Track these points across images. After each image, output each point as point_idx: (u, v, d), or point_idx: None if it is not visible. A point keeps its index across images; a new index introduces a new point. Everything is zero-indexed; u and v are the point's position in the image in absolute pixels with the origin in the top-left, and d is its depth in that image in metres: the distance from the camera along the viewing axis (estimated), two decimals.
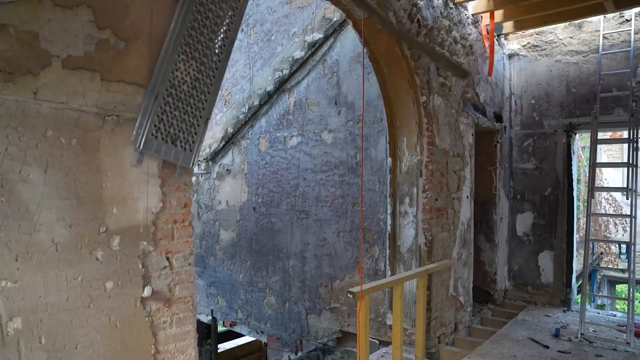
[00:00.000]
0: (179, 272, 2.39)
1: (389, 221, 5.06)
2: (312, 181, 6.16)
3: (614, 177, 14.69)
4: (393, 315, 3.71)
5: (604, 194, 13.97)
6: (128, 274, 2.18)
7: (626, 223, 13.60)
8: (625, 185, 5.49)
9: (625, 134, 8.72)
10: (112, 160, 2.12)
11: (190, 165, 2.35)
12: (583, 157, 12.94)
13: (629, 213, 5.39)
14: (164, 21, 2.29)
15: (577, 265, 7.08)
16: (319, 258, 6.11)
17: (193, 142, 2.33)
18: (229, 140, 7.17)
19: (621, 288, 14.52)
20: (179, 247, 2.39)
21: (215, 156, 7.38)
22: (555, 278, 6.66)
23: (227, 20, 2.40)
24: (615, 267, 12.98)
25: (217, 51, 2.37)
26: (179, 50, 2.24)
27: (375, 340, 5.41)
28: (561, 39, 6.56)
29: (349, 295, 3.23)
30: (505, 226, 6.95)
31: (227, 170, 7.26)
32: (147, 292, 2.24)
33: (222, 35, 2.40)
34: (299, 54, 6.28)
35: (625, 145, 6.68)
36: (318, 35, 6.08)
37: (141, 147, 2.15)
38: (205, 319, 7.57)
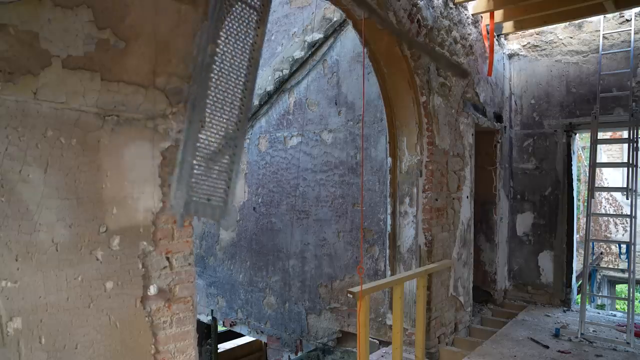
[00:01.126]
0: (179, 272, 2.39)
1: (389, 221, 5.06)
2: (312, 181, 6.16)
3: (614, 177, 14.68)
4: (393, 315, 3.71)
5: (604, 193, 13.97)
6: (128, 274, 2.18)
7: (626, 223, 13.60)
8: (625, 185, 5.49)
9: (625, 134, 8.72)
10: (112, 160, 2.12)
11: (225, 217, 2.39)
12: (583, 157, 12.94)
13: (629, 213, 5.39)
14: (164, 21, 2.29)
15: (577, 265, 7.08)
16: (319, 258, 6.11)
17: (227, 195, 2.36)
18: None
19: (621, 288, 14.52)
20: (179, 247, 2.39)
21: None
22: (555, 278, 6.66)
23: (244, 78, 2.37)
24: (615, 267, 12.98)
25: (239, 105, 2.35)
26: (204, 115, 2.23)
27: (375, 340, 5.41)
28: (561, 39, 6.56)
29: (349, 295, 3.23)
30: (505, 226, 6.95)
31: None
32: (151, 291, 2.24)
33: (242, 90, 2.37)
34: (299, 54, 6.28)
35: (625, 145, 6.69)
36: (318, 35, 6.08)
37: (182, 210, 2.21)
38: (205, 319, 7.56)
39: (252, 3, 2.34)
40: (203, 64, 2.23)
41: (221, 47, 2.28)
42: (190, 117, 2.22)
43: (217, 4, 2.22)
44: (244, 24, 2.35)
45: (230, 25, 2.31)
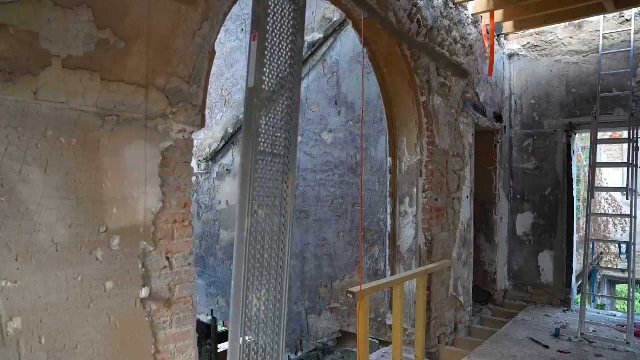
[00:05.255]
0: (179, 272, 2.39)
1: (389, 221, 5.06)
2: (312, 181, 6.16)
3: (614, 177, 14.68)
4: (393, 315, 3.71)
5: (603, 194, 13.97)
6: (128, 274, 2.18)
7: (626, 223, 13.60)
8: (625, 185, 5.49)
9: (625, 134, 8.72)
10: (112, 160, 2.12)
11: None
12: (583, 157, 12.94)
13: (628, 213, 5.39)
14: (164, 21, 2.29)
15: (577, 265, 7.08)
16: (319, 258, 6.11)
17: (278, 345, 2.35)
18: (229, 140, 7.17)
19: (621, 288, 14.51)
20: (179, 247, 2.39)
21: (215, 156, 7.38)
22: (555, 278, 6.66)
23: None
24: (615, 267, 12.98)
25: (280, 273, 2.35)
26: (248, 288, 2.20)
27: (375, 340, 5.41)
28: (561, 39, 6.56)
29: (349, 295, 3.23)
30: (505, 226, 6.94)
31: (227, 170, 7.26)
32: (144, 292, 2.24)
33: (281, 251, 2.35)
34: None
35: (625, 145, 6.69)
36: (318, 35, 6.08)
37: None
38: (205, 319, 7.56)
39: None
40: None
41: None
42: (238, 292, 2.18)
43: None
44: None
45: None
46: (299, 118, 2.31)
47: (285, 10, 2.18)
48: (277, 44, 2.16)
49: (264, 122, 2.13)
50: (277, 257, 2.30)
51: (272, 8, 2.11)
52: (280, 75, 2.20)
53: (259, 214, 2.16)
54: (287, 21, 2.19)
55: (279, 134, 2.20)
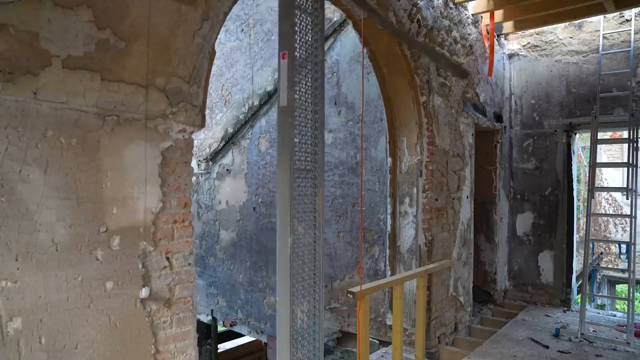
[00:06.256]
0: (179, 272, 2.39)
1: (389, 221, 5.06)
2: None
3: (614, 177, 14.69)
4: (393, 315, 3.71)
5: (604, 194, 13.97)
6: (128, 274, 2.18)
7: (626, 223, 13.60)
8: (625, 185, 5.49)
9: (625, 134, 8.72)
10: (112, 160, 2.12)
11: None
12: (583, 157, 12.94)
13: (629, 213, 5.39)
14: (164, 21, 2.29)
15: (577, 265, 7.08)
16: None
17: (319, 350, 2.35)
18: (229, 140, 7.17)
19: (621, 288, 14.52)
20: (179, 247, 2.39)
21: (215, 156, 7.38)
22: (555, 278, 6.66)
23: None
24: (615, 267, 12.98)
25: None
26: (294, 303, 2.23)
27: (375, 340, 5.41)
28: (561, 39, 6.56)
29: (349, 295, 3.23)
30: (505, 226, 6.94)
31: (227, 170, 7.25)
32: (144, 292, 2.24)
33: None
34: None
35: (625, 145, 6.69)
36: None
37: None
38: (205, 319, 7.56)
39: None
40: None
41: None
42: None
43: None
44: None
45: None
46: (324, 131, 2.30)
47: (307, 27, 2.18)
48: (303, 60, 2.17)
49: (297, 140, 2.14)
50: (314, 268, 2.30)
51: (298, 25, 2.11)
52: (307, 91, 2.20)
53: (298, 231, 2.17)
54: (309, 37, 2.20)
55: (309, 150, 2.21)
